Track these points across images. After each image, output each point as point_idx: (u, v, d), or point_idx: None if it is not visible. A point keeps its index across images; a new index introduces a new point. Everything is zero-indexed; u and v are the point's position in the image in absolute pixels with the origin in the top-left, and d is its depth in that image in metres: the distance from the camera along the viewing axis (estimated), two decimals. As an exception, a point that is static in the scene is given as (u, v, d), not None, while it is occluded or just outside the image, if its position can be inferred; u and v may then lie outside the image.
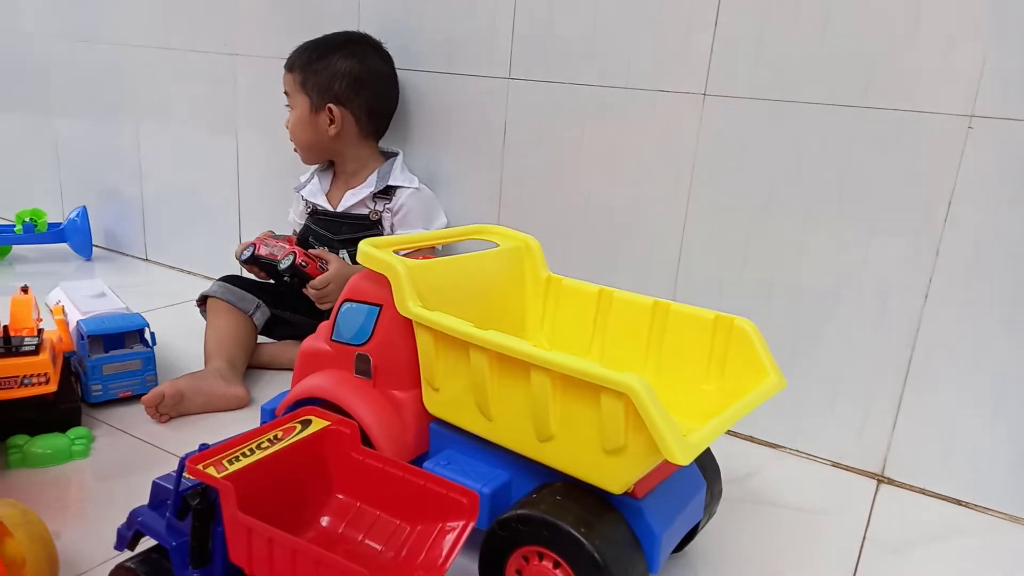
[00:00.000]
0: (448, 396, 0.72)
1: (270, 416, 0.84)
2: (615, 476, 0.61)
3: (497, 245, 0.89)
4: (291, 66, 1.15)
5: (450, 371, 0.71)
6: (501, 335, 0.64)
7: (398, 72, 1.18)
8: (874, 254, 0.91)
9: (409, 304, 0.71)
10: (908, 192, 0.88)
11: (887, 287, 0.91)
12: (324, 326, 0.82)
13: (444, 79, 1.17)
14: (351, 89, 1.12)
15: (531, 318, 0.88)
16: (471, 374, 0.67)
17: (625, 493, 0.63)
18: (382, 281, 0.74)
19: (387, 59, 1.16)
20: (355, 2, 1.23)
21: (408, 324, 0.72)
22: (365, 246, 0.76)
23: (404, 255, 0.81)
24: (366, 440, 0.72)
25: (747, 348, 0.71)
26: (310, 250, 1.08)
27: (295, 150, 1.18)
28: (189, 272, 1.58)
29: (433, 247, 0.99)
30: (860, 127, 0.89)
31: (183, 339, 1.15)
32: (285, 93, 1.16)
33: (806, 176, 0.93)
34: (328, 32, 1.17)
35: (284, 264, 1.04)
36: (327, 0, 1.25)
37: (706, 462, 0.74)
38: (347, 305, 0.77)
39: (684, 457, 0.55)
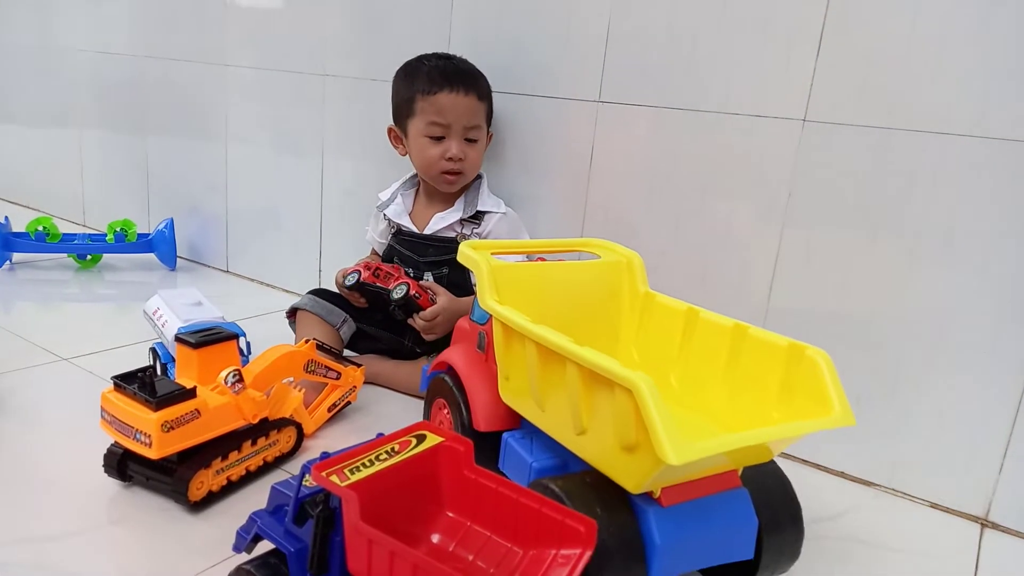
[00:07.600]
0: (515, 386, 0.79)
1: None
2: (631, 474, 0.63)
3: (599, 257, 0.92)
4: (481, 94, 1.12)
5: (515, 363, 0.76)
6: (550, 330, 0.68)
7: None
8: (985, 290, 0.88)
9: (487, 298, 0.78)
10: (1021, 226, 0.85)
11: (997, 322, 0.87)
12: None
13: (532, 101, 1.18)
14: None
15: (624, 332, 0.90)
16: (527, 365, 0.72)
17: (652, 497, 0.64)
18: None
19: None
20: (447, 23, 1.25)
21: None
22: (464, 246, 0.83)
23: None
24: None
25: (816, 379, 0.67)
26: (421, 282, 1.09)
27: (451, 181, 1.13)
28: (269, 285, 1.61)
29: (541, 256, 0.99)
30: (975, 157, 0.86)
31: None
32: (473, 127, 1.12)
33: (914, 208, 0.90)
34: (418, 51, 1.18)
35: (397, 295, 1.04)
36: (419, 22, 1.28)
37: (777, 503, 0.70)
38: None
39: (676, 456, 0.55)
